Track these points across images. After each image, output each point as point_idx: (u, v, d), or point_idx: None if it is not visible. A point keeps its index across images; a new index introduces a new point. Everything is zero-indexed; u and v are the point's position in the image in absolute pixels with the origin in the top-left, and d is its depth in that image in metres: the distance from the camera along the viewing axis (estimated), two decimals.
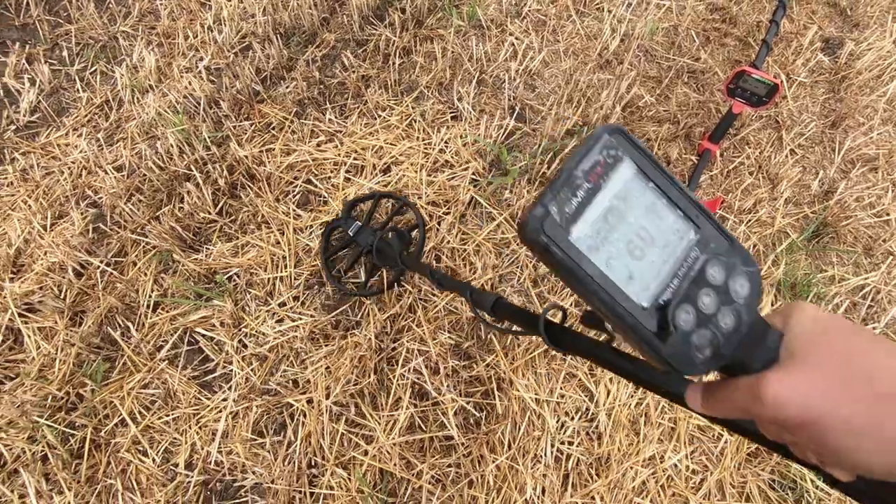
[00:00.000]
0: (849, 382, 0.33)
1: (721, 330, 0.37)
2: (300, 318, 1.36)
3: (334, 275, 1.40)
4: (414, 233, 1.45)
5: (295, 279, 1.42)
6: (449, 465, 1.21)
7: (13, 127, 1.68)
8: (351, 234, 1.38)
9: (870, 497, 0.41)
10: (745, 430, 0.46)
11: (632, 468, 1.23)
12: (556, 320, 0.65)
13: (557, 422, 1.26)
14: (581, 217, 0.36)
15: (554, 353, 1.33)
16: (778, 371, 0.35)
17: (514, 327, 0.71)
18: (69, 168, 1.59)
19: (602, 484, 1.21)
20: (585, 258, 0.36)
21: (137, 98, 1.72)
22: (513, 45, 1.88)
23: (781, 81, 1.87)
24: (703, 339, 0.37)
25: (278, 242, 1.47)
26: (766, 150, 1.74)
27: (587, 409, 1.29)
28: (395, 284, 1.38)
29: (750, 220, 1.59)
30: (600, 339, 0.58)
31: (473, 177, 1.58)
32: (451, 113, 1.72)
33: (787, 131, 1.78)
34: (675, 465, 1.24)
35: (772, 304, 1.45)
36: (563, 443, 1.25)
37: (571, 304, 1.39)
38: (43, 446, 1.19)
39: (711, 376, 0.42)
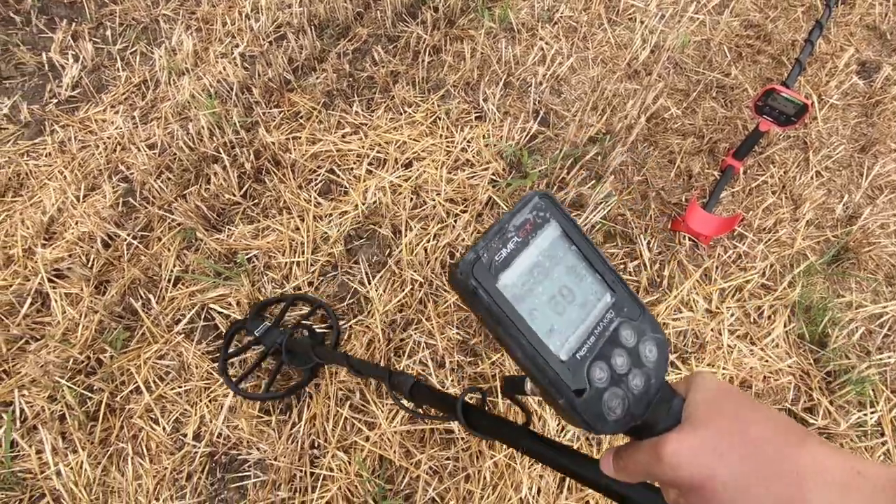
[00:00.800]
0: (734, 447, 0.35)
1: (632, 390, 0.39)
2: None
3: (234, 378, 1.28)
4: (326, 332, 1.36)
5: (311, 265, 1.45)
6: (447, 458, 1.23)
7: (55, 100, 1.75)
8: (257, 335, 1.27)
9: None
10: None
11: None
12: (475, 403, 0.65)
13: (558, 424, 1.27)
14: (510, 267, 0.38)
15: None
16: (677, 432, 0.37)
17: (434, 411, 0.71)
18: (104, 143, 1.65)
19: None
20: (510, 306, 0.37)
21: (173, 80, 1.78)
22: (542, 49, 1.89)
23: (812, 102, 1.85)
24: (615, 397, 0.39)
25: (298, 228, 1.50)
26: (792, 170, 1.72)
27: None
28: (305, 386, 1.28)
29: (769, 240, 1.57)
30: (519, 423, 0.59)
31: (493, 177, 1.59)
32: (475, 113, 1.73)
33: (815, 153, 1.76)
34: None
35: (784, 325, 1.43)
36: None
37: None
38: (62, 406, 1.25)
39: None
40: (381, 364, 1.32)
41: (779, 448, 0.34)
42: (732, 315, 1.45)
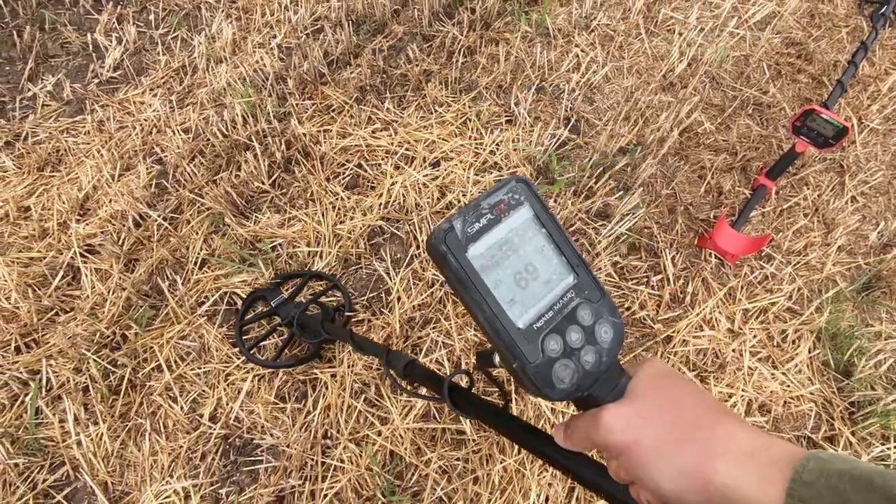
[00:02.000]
0: (660, 416, 0.39)
1: (582, 364, 0.43)
2: (334, 295, 1.40)
3: (246, 343, 1.34)
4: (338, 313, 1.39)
5: (334, 257, 1.46)
6: (457, 459, 1.23)
7: (96, 80, 1.80)
8: (273, 305, 1.35)
9: None
10: (598, 487, 0.50)
11: None
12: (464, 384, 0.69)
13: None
14: (480, 239, 0.42)
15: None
16: (616, 404, 0.42)
17: (424, 391, 0.75)
18: (141, 125, 1.69)
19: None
20: (477, 274, 0.41)
21: (211, 67, 1.82)
22: (577, 56, 1.88)
23: (852, 125, 1.81)
24: (566, 368, 0.42)
25: (322, 220, 1.52)
26: (826, 193, 1.68)
27: None
28: (311, 359, 1.33)
29: (798, 263, 1.54)
30: (501, 406, 0.64)
31: None
32: (506, 116, 1.73)
33: (851, 177, 1.72)
34: None
35: (809, 351, 1.40)
36: None
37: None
38: (86, 378, 1.28)
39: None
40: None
41: (698, 420, 0.38)
42: (755, 337, 1.42)
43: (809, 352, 1.41)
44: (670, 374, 0.43)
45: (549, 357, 0.42)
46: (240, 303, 1.39)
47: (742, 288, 1.50)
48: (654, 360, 0.45)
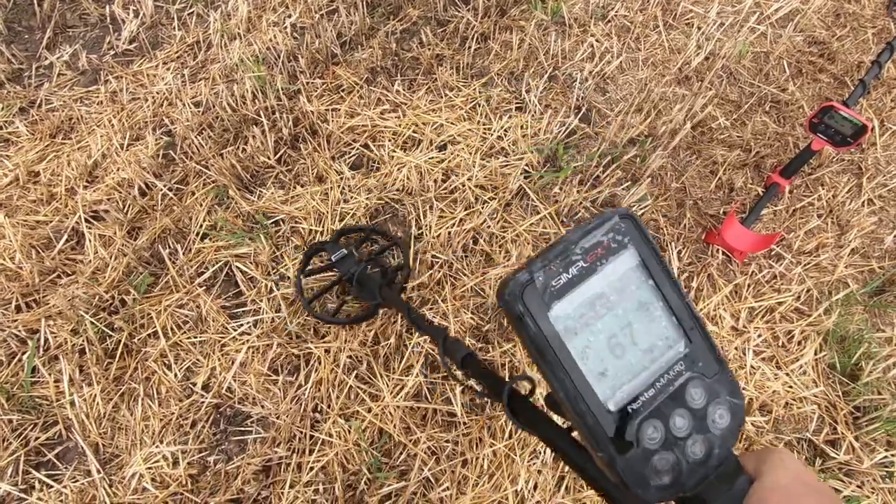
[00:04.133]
0: None
1: (687, 458, 0.34)
2: (332, 271, 1.40)
3: (306, 296, 1.33)
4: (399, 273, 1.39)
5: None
6: (447, 441, 1.22)
7: (112, 52, 1.82)
8: (333, 259, 1.32)
9: None
10: None
11: None
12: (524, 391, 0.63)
13: (563, 423, 1.24)
14: (567, 296, 0.34)
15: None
16: None
17: (478, 386, 0.68)
18: (153, 97, 1.71)
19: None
20: (559, 340, 0.34)
21: (225, 43, 1.82)
22: (592, 46, 1.85)
23: (872, 126, 1.75)
24: (666, 462, 0.34)
25: (326, 197, 1.51)
26: (841, 194, 1.63)
27: None
28: (367, 320, 1.32)
29: (808, 264, 1.50)
30: (563, 425, 0.56)
31: (526, 168, 1.57)
32: (516, 103, 1.71)
33: (869, 179, 1.67)
34: None
35: (815, 353, 1.37)
36: None
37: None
38: (83, 340, 1.29)
39: None
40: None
41: None
42: (760, 336, 1.39)
43: (815, 354, 1.37)
44: (808, 488, 0.33)
45: (645, 448, 0.34)
46: (241, 275, 1.39)
47: (749, 286, 1.46)
48: (784, 458, 0.35)
